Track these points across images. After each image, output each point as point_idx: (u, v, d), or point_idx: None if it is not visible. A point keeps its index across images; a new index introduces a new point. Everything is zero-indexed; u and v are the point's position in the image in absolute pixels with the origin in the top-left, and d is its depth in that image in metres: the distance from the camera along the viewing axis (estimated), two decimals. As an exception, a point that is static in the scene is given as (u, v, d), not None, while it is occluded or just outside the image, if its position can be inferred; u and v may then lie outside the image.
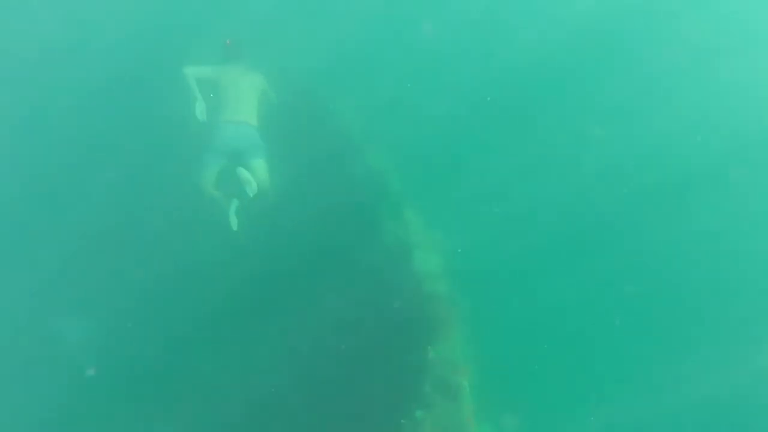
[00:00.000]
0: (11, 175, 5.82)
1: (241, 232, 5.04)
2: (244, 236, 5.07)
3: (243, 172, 4.89)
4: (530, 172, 6.08)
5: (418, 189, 5.46)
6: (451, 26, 6.68)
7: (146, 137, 5.68)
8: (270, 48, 6.04)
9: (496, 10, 7.16)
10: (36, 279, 5.08)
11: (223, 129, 5.06)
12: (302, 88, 6.10)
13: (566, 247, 5.64)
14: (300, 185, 5.30)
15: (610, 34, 7.01)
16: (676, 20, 7.12)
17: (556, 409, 4.85)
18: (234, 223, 4.86)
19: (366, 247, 5.10)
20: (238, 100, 5.18)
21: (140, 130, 5.76)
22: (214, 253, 5.01)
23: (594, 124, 6.34)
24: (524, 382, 4.93)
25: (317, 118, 5.97)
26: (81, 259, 5.21)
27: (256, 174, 4.97)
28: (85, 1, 7.02)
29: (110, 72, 6.19)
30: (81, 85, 6.14)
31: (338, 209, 5.33)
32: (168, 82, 5.60)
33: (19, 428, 4.49)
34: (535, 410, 4.80)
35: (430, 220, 5.27)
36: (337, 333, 4.64)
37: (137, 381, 4.62)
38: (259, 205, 5.06)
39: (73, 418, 4.46)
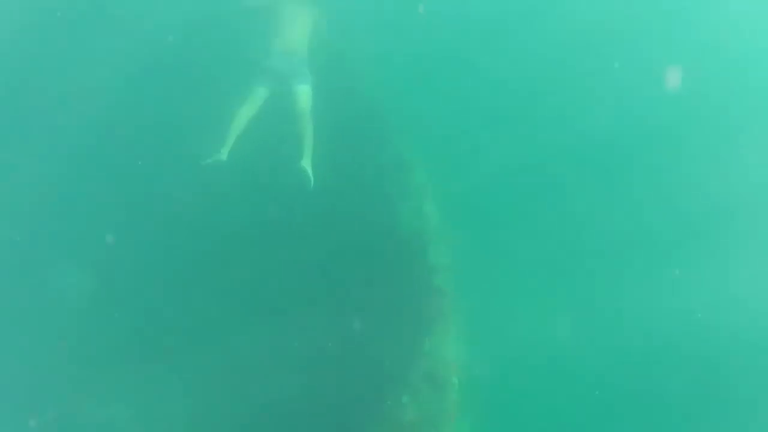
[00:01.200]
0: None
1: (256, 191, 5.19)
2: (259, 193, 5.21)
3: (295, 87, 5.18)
4: (561, 175, 5.97)
5: (443, 183, 5.48)
6: (500, 25, 6.41)
7: (197, 62, 5.79)
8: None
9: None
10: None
11: (274, 56, 5.29)
12: (352, 34, 6.09)
13: (583, 260, 5.62)
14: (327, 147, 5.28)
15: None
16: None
17: (541, 419, 4.97)
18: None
19: (382, 231, 5.20)
20: (291, 31, 5.41)
21: (190, 55, 5.84)
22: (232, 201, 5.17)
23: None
24: (512, 389, 5.04)
25: (358, 71, 6.00)
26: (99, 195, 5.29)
27: (299, 99, 5.21)
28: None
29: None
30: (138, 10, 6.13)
31: (359, 183, 5.40)
32: (223, 11, 5.77)
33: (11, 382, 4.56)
34: (517, 418, 4.95)
35: (449, 216, 5.32)
36: (338, 309, 4.83)
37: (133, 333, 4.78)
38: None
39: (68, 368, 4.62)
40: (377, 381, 4.69)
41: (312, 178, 5.01)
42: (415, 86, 6.03)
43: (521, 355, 5.10)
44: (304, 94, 5.22)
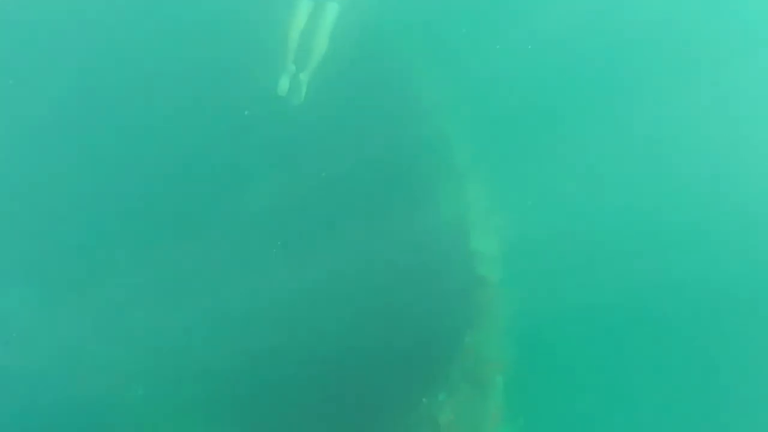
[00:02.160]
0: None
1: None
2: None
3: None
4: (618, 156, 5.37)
5: (487, 162, 5.02)
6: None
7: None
8: None
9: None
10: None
11: None
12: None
13: (636, 251, 5.00)
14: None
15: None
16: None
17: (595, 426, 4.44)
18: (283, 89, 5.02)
19: (419, 212, 4.80)
20: None
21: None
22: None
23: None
24: (564, 390, 4.53)
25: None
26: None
27: (325, 15, 5.11)
28: None
29: None
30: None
31: (392, 156, 4.99)
32: None
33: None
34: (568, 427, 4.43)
35: (495, 199, 4.88)
36: (369, 299, 4.45)
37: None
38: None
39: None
40: (412, 376, 4.32)
41: (303, 95, 4.97)
42: (469, 51, 5.54)
43: (574, 355, 4.60)
44: (331, 11, 5.08)
